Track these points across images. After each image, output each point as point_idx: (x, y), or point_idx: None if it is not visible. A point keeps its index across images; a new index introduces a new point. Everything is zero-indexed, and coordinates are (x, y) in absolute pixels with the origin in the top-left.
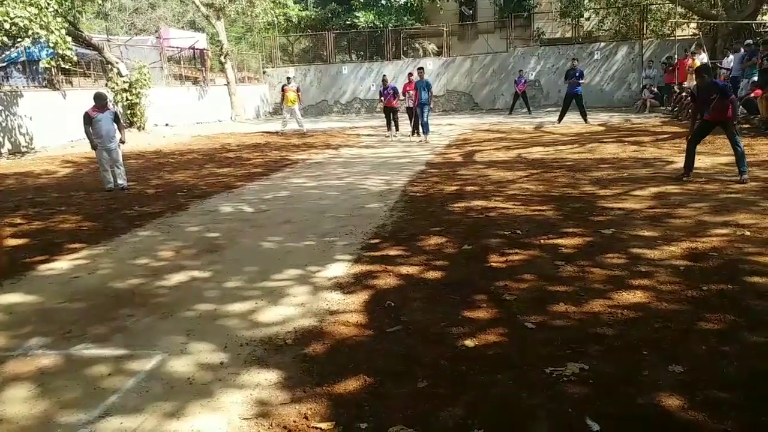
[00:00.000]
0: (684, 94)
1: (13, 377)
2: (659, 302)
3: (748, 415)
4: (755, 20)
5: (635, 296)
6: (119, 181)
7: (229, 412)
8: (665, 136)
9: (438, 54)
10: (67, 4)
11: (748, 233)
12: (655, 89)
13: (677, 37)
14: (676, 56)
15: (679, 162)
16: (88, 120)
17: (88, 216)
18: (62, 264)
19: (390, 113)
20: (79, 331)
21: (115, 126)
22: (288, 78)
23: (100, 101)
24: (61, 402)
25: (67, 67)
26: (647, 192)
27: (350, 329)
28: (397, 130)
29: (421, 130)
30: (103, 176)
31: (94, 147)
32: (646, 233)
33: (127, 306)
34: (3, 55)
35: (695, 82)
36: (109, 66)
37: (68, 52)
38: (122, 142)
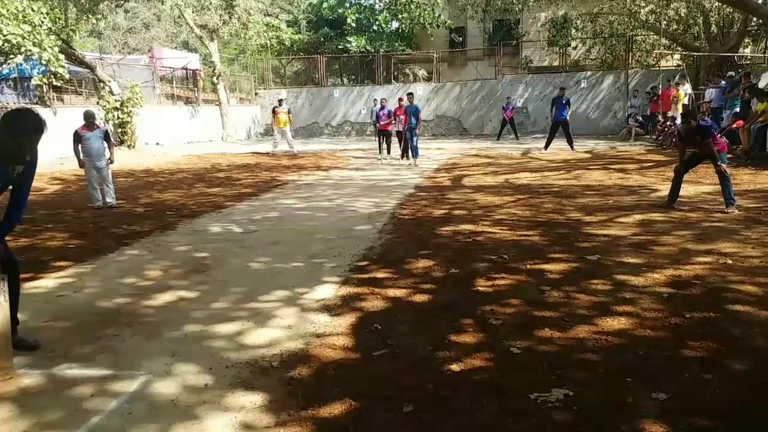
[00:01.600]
0: (668, 123)
1: None
2: (643, 329)
3: None
4: (737, 53)
5: (619, 323)
6: (108, 200)
7: None
8: (650, 164)
9: (428, 79)
10: (60, 22)
11: (730, 261)
12: (640, 118)
13: (662, 68)
14: (660, 86)
15: (664, 190)
16: (78, 138)
17: (76, 234)
18: (48, 282)
19: (383, 136)
20: (63, 351)
21: (105, 144)
22: (279, 100)
23: (89, 120)
24: (42, 423)
25: (59, 84)
26: (632, 219)
27: (337, 352)
28: (389, 153)
29: (410, 153)
30: (91, 194)
31: (81, 165)
32: (631, 260)
33: (113, 325)
34: None
35: (680, 112)
36: (101, 84)
37: (60, 70)
38: (111, 161)
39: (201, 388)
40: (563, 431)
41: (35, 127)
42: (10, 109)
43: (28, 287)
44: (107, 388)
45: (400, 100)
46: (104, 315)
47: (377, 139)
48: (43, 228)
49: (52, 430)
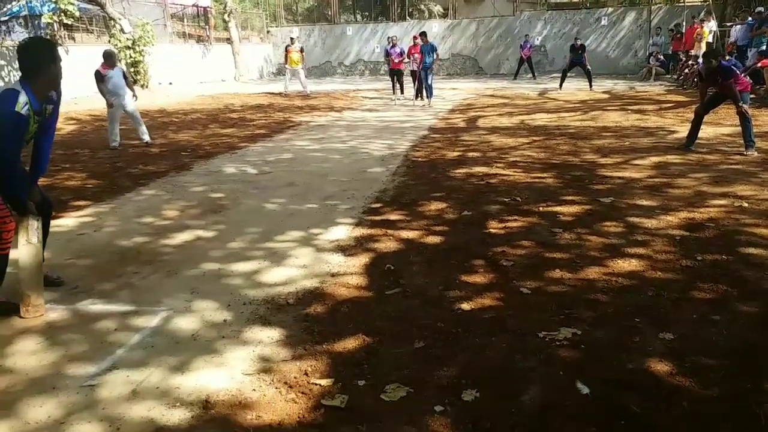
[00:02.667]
0: (690, 62)
1: (23, 330)
2: (654, 271)
3: (736, 383)
4: None
5: (630, 264)
6: (144, 138)
7: (232, 368)
8: (669, 105)
9: (444, 16)
10: None
11: (746, 204)
12: (662, 57)
13: (687, 4)
14: (684, 23)
15: (682, 131)
16: (101, 77)
17: (93, 174)
18: (68, 221)
19: (396, 75)
20: (86, 287)
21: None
22: (291, 39)
23: (110, 59)
24: (69, 355)
25: (69, 22)
26: (648, 161)
27: (350, 291)
28: (402, 93)
29: (424, 93)
30: (110, 134)
31: (110, 105)
32: (645, 202)
33: (133, 263)
34: (4, 9)
35: (703, 51)
36: (112, 22)
37: (70, 7)
38: (135, 97)
39: (220, 323)
40: (570, 368)
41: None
42: (27, 40)
43: (50, 226)
44: (129, 323)
45: (415, 38)
46: (124, 253)
47: (390, 78)
48: (61, 168)
49: (79, 361)
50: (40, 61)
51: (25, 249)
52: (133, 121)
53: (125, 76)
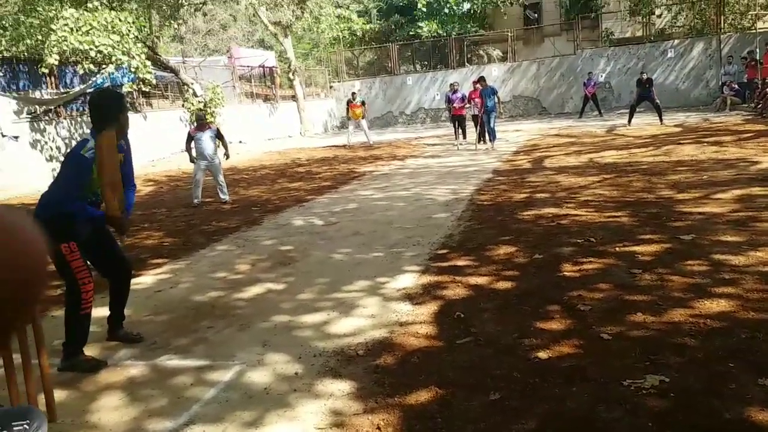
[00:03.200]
0: None
1: (106, 386)
2: (746, 311)
3: None
4: None
5: (719, 305)
6: (222, 196)
7: (305, 422)
8: (748, 134)
9: (503, 59)
10: (145, 30)
11: None
12: (736, 86)
13: (759, 30)
14: (758, 50)
15: (766, 162)
16: (189, 138)
17: (170, 232)
18: (147, 279)
19: (458, 121)
20: (163, 343)
21: (217, 142)
22: (353, 93)
23: (200, 120)
24: (148, 410)
25: (147, 90)
26: (730, 195)
27: (420, 340)
28: (464, 137)
29: (487, 137)
30: (193, 191)
31: (192, 160)
32: (730, 238)
33: (207, 318)
34: (90, 82)
35: None
36: (185, 87)
37: (148, 76)
38: (227, 156)
39: (291, 376)
40: (659, 419)
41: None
42: (96, 92)
43: (131, 284)
44: (205, 378)
45: (474, 83)
46: (199, 308)
47: (452, 124)
48: (140, 227)
49: (158, 416)
50: (108, 110)
51: None
52: (216, 179)
53: (220, 135)
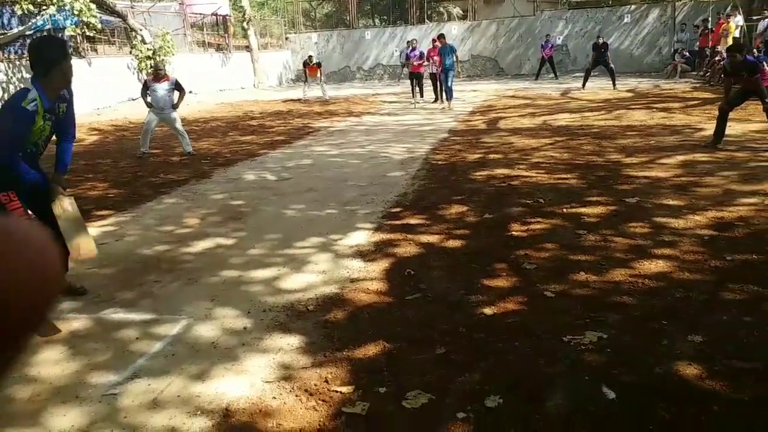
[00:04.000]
0: (717, 58)
1: (47, 340)
2: (681, 272)
3: None
4: None
5: (657, 266)
6: (187, 148)
7: (253, 376)
8: (695, 102)
9: (463, 18)
10: None
11: None
12: (687, 53)
13: (712, 0)
14: (710, 19)
15: (709, 129)
16: (145, 87)
17: (115, 183)
18: (91, 230)
19: (415, 79)
20: (108, 296)
21: (175, 94)
22: (309, 56)
23: (157, 71)
24: (92, 364)
25: (92, 35)
26: (674, 160)
27: (371, 296)
28: (421, 96)
29: (444, 96)
30: (142, 139)
31: (149, 106)
32: (672, 202)
33: (154, 272)
34: (29, 23)
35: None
36: (133, 33)
37: (93, 20)
38: (175, 107)
39: (240, 331)
40: (596, 373)
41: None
42: (37, 38)
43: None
44: (151, 332)
45: (434, 41)
46: (145, 262)
47: (410, 82)
48: (84, 178)
49: (101, 370)
50: (49, 58)
51: (63, 214)
52: (176, 131)
53: (179, 86)
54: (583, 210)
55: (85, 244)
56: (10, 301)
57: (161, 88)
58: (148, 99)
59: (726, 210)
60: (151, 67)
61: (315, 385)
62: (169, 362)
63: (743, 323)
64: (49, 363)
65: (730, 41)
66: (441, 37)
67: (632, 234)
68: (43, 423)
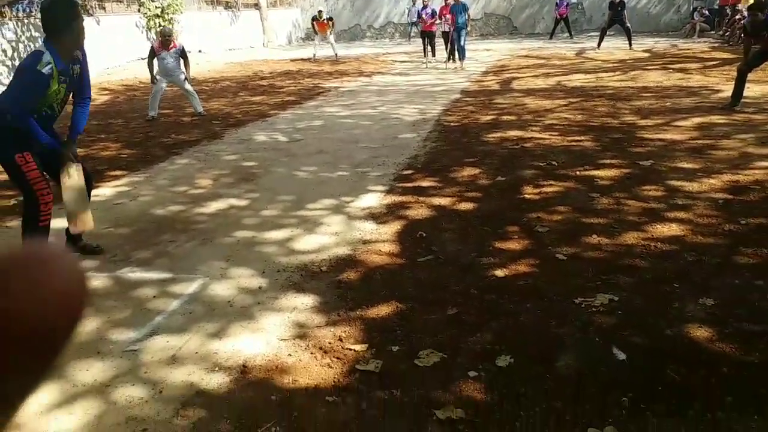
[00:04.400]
0: (737, 17)
1: None
2: (695, 236)
3: None
4: None
5: (670, 229)
6: (197, 108)
7: (268, 333)
8: (714, 62)
9: None
10: None
11: None
12: (707, 12)
13: None
14: None
15: (727, 91)
16: (152, 54)
17: (128, 144)
18: (105, 191)
19: (427, 38)
20: (124, 256)
21: (181, 62)
22: (319, 11)
23: (165, 38)
24: (111, 321)
25: None
26: (690, 122)
27: (383, 258)
28: (433, 55)
29: (457, 55)
30: (150, 102)
31: (153, 81)
32: (686, 165)
33: (169, 232)
34: None
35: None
36: None
37: None
38: (186, 78)
39: (255, 290)
40: (606, 334)
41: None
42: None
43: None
44: (168, 290)
45: None
46: (160, 222)
47: (422, 41)
48: (96, 138)
49: (121, 327)
50: (62, 19)
51: (68, 182)
52: (187, 94)
53: (185, 54)
54: (596, 173)
55: (83, 216)
56: (42, 328)
57: (169, 56)
58: (155, 69)
59: (742, 173)
60: (159, 26)
61: (329, 343)
62: (187, 320)
63: (755, 287)
64: None
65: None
66: None
67: (645, 197)
68: (67, 377)
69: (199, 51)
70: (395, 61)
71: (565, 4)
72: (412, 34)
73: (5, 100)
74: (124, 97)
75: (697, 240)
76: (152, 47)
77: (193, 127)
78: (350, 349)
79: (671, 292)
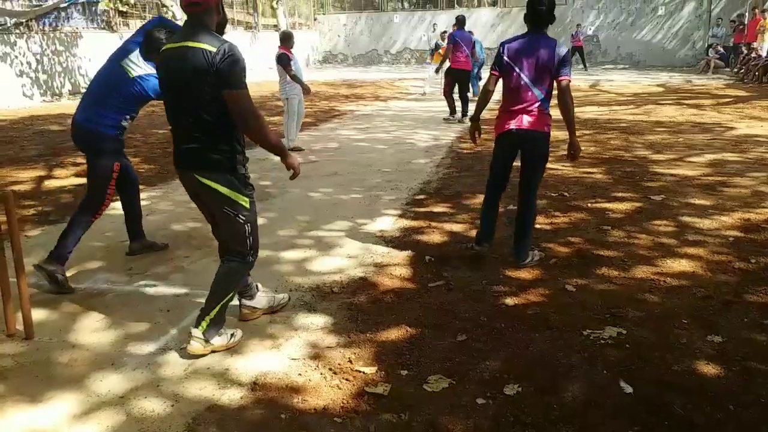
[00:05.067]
0: (753, 55)
1: (84, 308)
2: (705, 272)
3: None
4: None
5: (681, 265)
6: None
7: (280, 352)
8: (727, 99)
9: (493, 4)
10: None
11: None
12: (722, 49)
13: None
14: (747, 14)
15: (741, 128)
16: (288, 60)
17: (145, 159)
18: None
19: (458, 80)
20: (141, 269)
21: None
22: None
23: (292, 40)
24: (127, 333)
25: (124, 9)
26: (703, 159)
27: (394, 281)
28: (465, 111)
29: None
30: (288, 129)
31: (307, 91)
32: (698, 201)
33: (184, 247)
34: None
35: (766, 43)
36: (164, 8)
37: None
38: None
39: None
40: (614, 367)
41: None
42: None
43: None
44: (183, 305)
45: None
46: (176, 237)
47: (445, 84)
48: None
49: (136, 340)
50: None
51: None
52: (299, 116)
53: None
54: (608, 205)
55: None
56: None
57: (298, 60)
58: (294, 72)
59: (753, 212)
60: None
61: (339, 364)
62: None
63: (764, 326)
64: (87, 331)
65: (766, 39)
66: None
67: (657, 232)
68: (84, 387)
69: None
70: (411, 86)
71: (580, 35)
72: (428, 62)
73: (114, 114)
74: (143, 112)
75: (708, 277)
76: (285, 54)
77: None
78: (360, 371)
79: (680, 328)
